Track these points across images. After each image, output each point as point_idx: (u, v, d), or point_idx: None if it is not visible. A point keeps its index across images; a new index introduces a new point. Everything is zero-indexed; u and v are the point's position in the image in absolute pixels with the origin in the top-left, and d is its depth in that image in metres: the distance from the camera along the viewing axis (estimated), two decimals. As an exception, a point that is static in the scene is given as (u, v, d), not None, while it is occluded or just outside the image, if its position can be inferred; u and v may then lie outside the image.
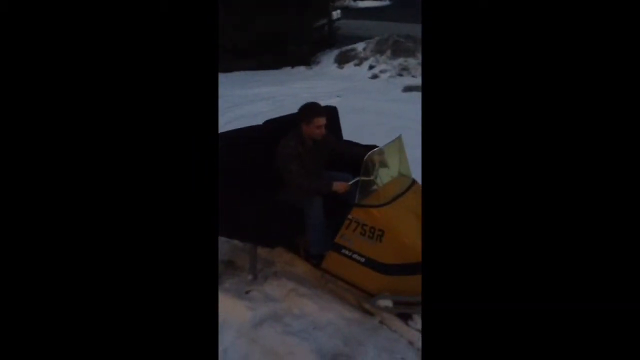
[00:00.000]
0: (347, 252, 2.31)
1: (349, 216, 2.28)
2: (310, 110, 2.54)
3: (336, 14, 11.92)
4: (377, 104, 6.52)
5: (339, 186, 2.45)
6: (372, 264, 2.22)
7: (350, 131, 2.83)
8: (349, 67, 9.42)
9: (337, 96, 6.87)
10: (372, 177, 2.29)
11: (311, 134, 2.55)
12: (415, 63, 8.74)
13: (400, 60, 8.93)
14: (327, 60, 10.07)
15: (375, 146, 2.46)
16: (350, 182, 2.44)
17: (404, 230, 2.16)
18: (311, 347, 2.13)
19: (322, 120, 2.53)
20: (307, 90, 7.64)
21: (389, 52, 9.22)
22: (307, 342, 2.17)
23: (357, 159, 2.33)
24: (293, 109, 2.65)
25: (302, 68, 9.92)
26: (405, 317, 2.30)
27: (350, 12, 11.54)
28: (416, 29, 9.27)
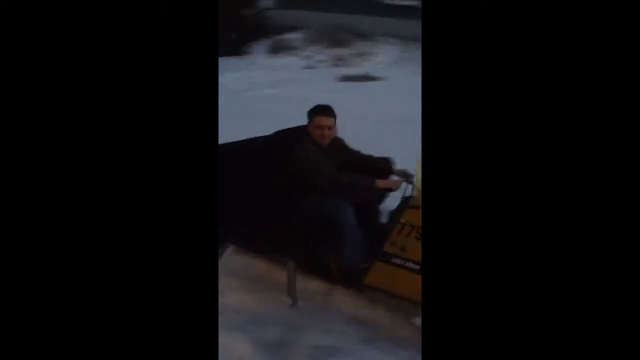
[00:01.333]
0: (399, 261, 2.08)
1: (402, 220, 2.09)
2: (312, 110, 2.34)
3: (267, 2, 11.63)
4: (313, 94, 6.39)
5: (388, 183, 2.20)
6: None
7: (287, 122, 2.53)
8: (283, 58, 9.18)
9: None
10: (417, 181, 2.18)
11: (315, 136, 2.28)
12: (349, 53, 8.66)
13: (337, 50, 8.81)
14: (260, 50, 9.76)
15: (388, 159, 2.43)
16: (399, 180, 2.27)
17: None
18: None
19: (322, 120, 2.28)
20: (237, 81, 7.29)
21: (324, 43, 9.11)
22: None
23: (370, 170, 2.26)
24: (225, 103, 2.33)
25: (232, 58, 9.49)
26: None
27: (285, 1, 11.31)
28: (350, 19, 9.41)
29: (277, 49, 9.45)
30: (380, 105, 5.75)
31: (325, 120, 2.29)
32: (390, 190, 2.24)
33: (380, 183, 2.20)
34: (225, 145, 2.29)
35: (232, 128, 2.70)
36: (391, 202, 2.34)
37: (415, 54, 7.71)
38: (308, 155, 2.19)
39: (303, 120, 2.40)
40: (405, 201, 2.19)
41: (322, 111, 2.32)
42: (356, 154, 2.51)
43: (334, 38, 9.20)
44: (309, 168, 2.16)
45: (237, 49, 9.76)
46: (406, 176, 2.36)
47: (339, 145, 2.44)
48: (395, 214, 2.16)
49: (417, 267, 2.01)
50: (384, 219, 2.31)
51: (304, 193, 2.19)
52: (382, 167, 2.41)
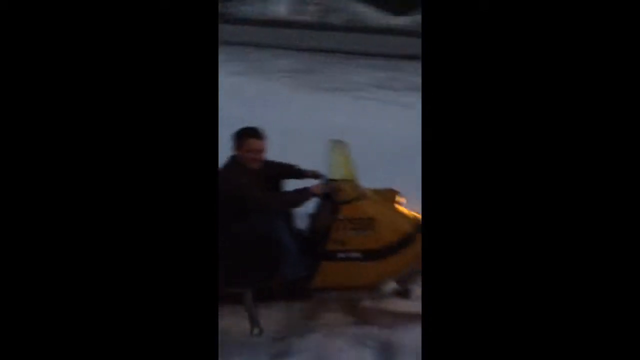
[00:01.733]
0: (342, 255, 2.23)
1: (339, 217, 2.23)
2: (241, 133, 2.20)
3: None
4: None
5: (315, 188, 2.24)
6: (369, 255, 2.23)
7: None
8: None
9: None
10: (345, 176, 2.35)
11: (247, 161, 2.17)
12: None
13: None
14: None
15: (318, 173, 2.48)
16: (321, 183, 2.34)
17: (390, 205, 2.40)
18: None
19: (255, 144, 2.17)
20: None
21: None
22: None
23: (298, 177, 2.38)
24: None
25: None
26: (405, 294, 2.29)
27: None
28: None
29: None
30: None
31: (256, 144, 2.18)
32: (324, 194, 2.29)
33: (315, 189, 2.24)
34: None
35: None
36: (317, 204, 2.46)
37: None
38: (239, 181, 2.11)
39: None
40: (333, 200, 2.29)
41: (252, 134, 2.18)
42: (278, 166, 2.46)
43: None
44: (245, 194, 2.10)
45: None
46: (319, 176, 2.45)
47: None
48: (330, 213, 2.26)
49: (359, 255, 2.21)
50: (322, 220, 2.36)
51: (235, 219, 2.11)
52: (301, 173, 2.48)
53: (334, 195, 2.27)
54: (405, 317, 2.30)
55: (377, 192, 2.48)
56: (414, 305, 2.18)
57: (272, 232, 2.12)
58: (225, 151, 2.00)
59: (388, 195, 2.47)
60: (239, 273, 2.09)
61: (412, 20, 11.38)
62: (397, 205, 2.43)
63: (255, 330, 2.16)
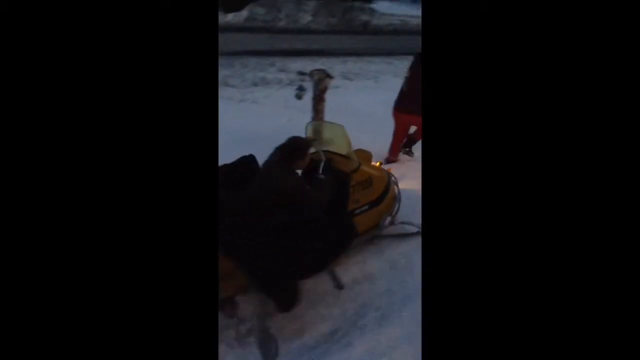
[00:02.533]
0: (358, 211, 2.87)
1: (352, 184, 2.80)
2: (302, 144, 2.52)
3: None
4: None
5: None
6: (373, 204, 2.98)
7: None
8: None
9: None
10: (348, 152, 3.01)
11: (300, 165, 2.53)
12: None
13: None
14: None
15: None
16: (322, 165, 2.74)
17: (370, 163, 3.25)
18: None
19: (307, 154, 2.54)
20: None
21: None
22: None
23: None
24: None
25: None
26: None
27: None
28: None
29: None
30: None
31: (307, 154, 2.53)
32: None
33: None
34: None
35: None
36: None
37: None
38: (295, 175, 2.49)
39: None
40: (345, 171, 2.85)
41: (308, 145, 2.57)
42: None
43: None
44: (300, 191, 2.39)
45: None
46: (312, 140, 2.93)
47: None
48: (336, 181, 2.70)
49: (367, 206, 2.92)
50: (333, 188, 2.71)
51: (291, 211, 2.37)
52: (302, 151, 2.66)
53: (345, 167, 2.88)
54: (400, 236, 3.24)
55: (357, 154, 3.11)
56: (399, 227, 3.24)
57: (321, 216, 2.42)
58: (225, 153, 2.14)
59: (365, 156, 3.27)
60: (308, 254, 2.30)
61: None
62: (372, 162, 3.32)
63: (339, 286, 2.62)
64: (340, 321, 2.47)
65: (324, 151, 2.88)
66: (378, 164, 3.43)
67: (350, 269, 2.85)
